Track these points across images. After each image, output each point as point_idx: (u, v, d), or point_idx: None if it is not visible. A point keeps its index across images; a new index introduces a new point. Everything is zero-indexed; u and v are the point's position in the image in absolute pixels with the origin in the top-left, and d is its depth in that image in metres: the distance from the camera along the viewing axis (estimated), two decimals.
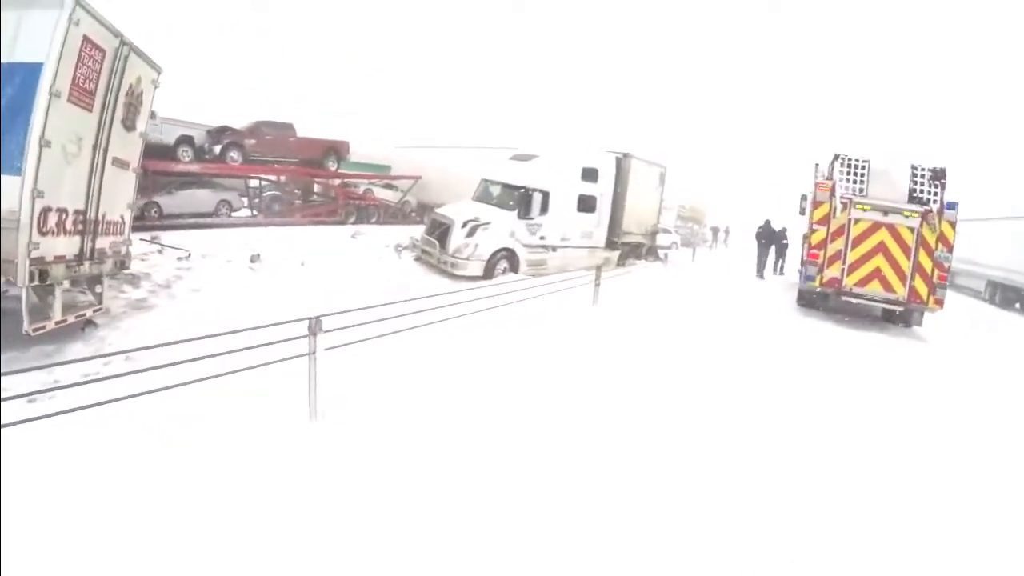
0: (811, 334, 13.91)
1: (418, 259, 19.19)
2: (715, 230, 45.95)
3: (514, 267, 18.14)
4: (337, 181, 28.55)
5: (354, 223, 26.69)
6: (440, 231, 18.12)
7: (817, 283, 15.52)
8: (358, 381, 7.69)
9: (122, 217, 10.68)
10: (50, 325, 8.62)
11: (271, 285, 13.76)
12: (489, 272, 17.39)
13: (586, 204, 19.91)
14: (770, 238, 26.22)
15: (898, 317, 16.39)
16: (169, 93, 12.50)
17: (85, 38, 8.43)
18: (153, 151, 19.81)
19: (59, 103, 8.05)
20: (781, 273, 26.74)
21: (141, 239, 15.80)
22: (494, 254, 17.54)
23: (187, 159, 22.57)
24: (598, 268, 13.84)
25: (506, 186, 19.03)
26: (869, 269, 15.14)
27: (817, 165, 19.88)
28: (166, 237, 17.31)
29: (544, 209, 18.54)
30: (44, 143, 7.86)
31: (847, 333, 14.70)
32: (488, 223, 17.65)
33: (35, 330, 8.23)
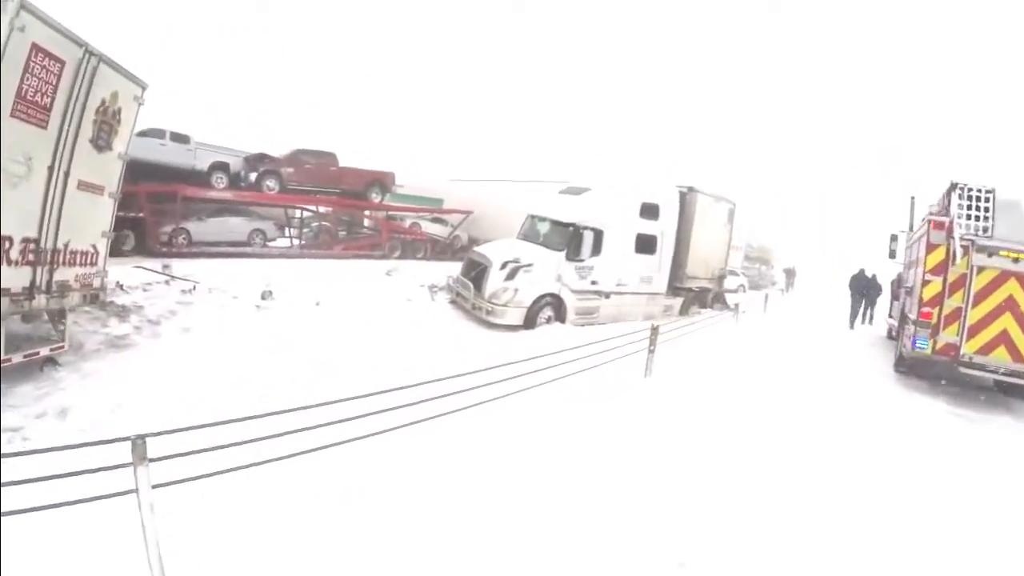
0: (921, 427, 10.17)
1: (453, 302, 16.90)
2: (789, 272, 41.86)
3: (560, 315, 15.67)
4: (381, 213, 26.99)
5: (399, 258, 24.95)
6: (476, 272, 15.80)
7: (930, 350, 11.89)
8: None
9: (94, 247, 9.58)
10: None
11: (270, 328, 12.30)
12: (530, 321, 15.02)
13: (645, 244, 17.29)
14: (864, 287, 23.50)
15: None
16: (168, 99, 11.93)
17: (35, 46, 7.44)
18: (186, 176, 21.01)
19: None
20: (869, 323, 23.64)
21: (147, 268, 15.25)
22: (537, 300, 15.11)
23: (221, 185, 22.01)
24: (653, 331, 10.95)
25: (554, 223, 16.64)
26: (994, 332, 11.50)
27: (914, 199, 17.00)
28: (190, 265, 16.46)
29: (597, 250, 16.08)
30: None
31: (967, 425, 10.72)
32: (531, 265, 15.25)
33: None
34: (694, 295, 19.85)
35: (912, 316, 12.68)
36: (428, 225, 28.56)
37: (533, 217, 17.67)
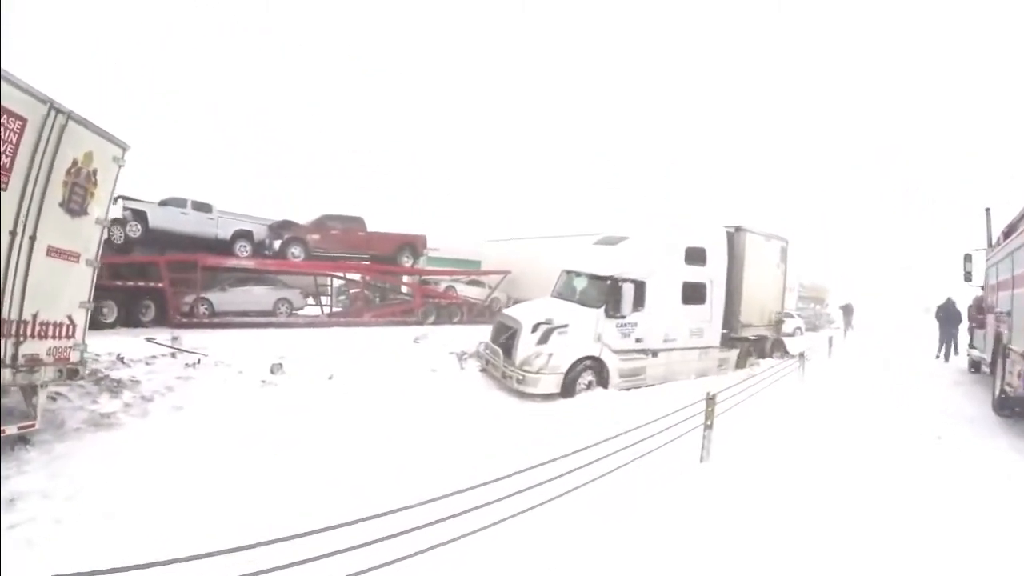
0: None
1: (484, 370, 15.12)
2: (847, 309, 37.19)
3: (603, 380, 13.69)
4: (414, 278, 26.23)
5: (434, 323, 24.00)
6: (506, 337, 14.08)
7: None
8: None
9: (70, 318, 8.74)
10: None
11: (270, 407, 11.10)
12: (569, 388, 13.13)
13: (693, 293, 15.37)
14: (951, 318, 21.62)
15: None
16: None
17: None
18: (210, 246, 20.95)
19: None
20: (955, 354, 21.30)
21: (156, 341, 14.53)
22: (575, 365, 13.22)
23: (244, 254, 21.83)
24: (709, 401, 8.58)
25: (590, 277, 14.88)
26: None
27: (989, 210, 15.09)
28: (208, 337, 16.32)
29: (639, 303, 14.20)
30: None
31: None
32: (566, 325, 13.46)
33: None
34: (750, 345, 17.76)
35: (1021, 348, 10.10)
36: (464, 288, 27.40)
37: (568, 273, 15.91)
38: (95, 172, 8.80)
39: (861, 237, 74.97)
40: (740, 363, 17.01)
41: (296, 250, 22.44)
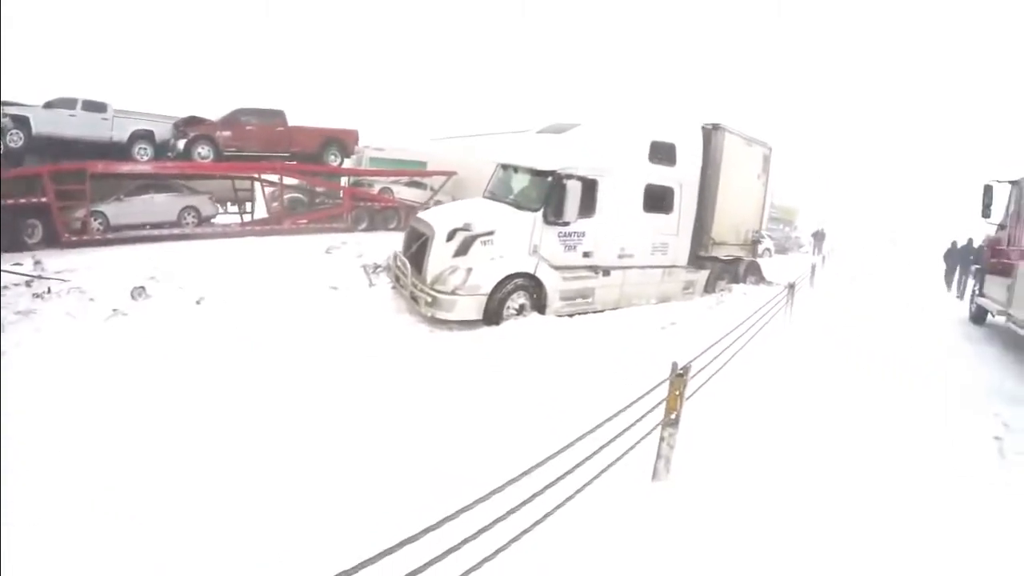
0: None
1: (395, 287, 11.88)
2: (818, 235, 34.97)
3: (539, 304, 10.55)
4: (341, 179, 22.91)
5: (366, 230, 21.19)
6: (417, 246, 10.81)
7: None
8: None
9: None
10: None
11: (109, 347, 8.85)
12: (493, 314, 10.12)
13: (658, 200, 12.03)
14: (968, 257, 19.14)
15: None
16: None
17: None
18: (103, 150, 17.90)
19: None
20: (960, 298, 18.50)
21: (15, 263, 12.67)
22: (501, 284, 10.05)
23: (145, 158, 18.43)
24: (676, 382, 4.51)
25: (527, 172, 11.57)
26: None
27: None
28: (100, 255, 14.38)
29: (589, 208, 10.93)
30: None
31: None
32: (491, 232, 10.30)
33: None
34: (722, 267, 14.30)
35: None
36: (403, 190, 23.84)
37: (504, 168, 12.50)
38: None
39: (838, 156, 68.01)
40: (709, 287, 13.74)
41: (204, 150, 18.97)
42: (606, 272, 11.44)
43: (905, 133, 71.25)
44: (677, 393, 4.49)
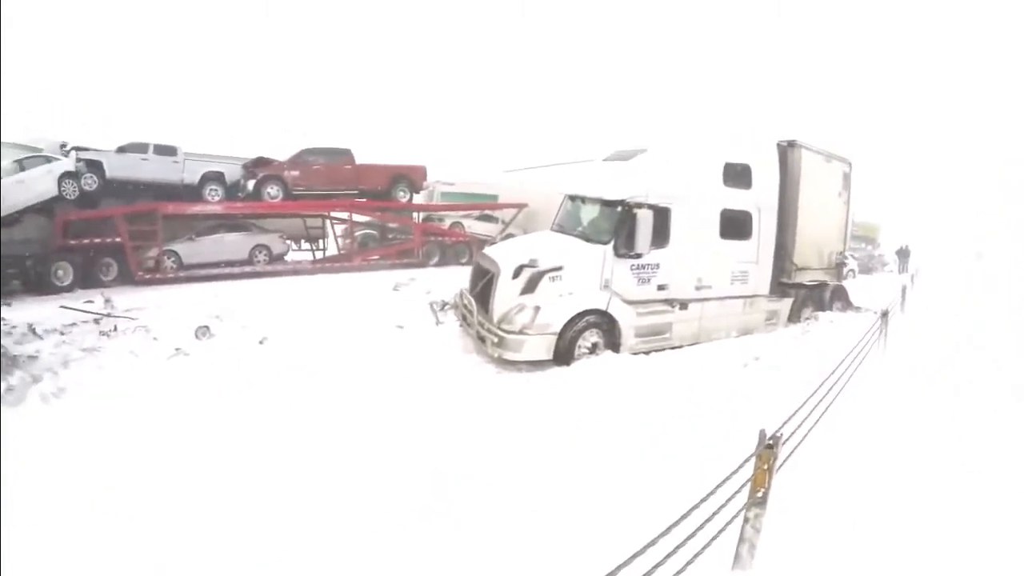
0: None
1: (463, 325, 11.35)
2: (902, 253, 33.12)
3: (612, 341, 9.90)
4: (412, 215, 22.98)
5: (438, 264, 20.96)
6: (483, 284, 10.28)
7: None
8: None
9: None
10: None
11: (169, 387, 8.73)
12: (564, 353, 9.48)
13: (735, 225, 11.24)
14: None
15: None
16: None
17: None
18: (174, 192, 18.50)
19: None
20: None
21: (71, 307, 12.57)
22: (573, 321, 9.41)
23: (216, 199, 19.09)
24: (766, 455, 3.68)
25: (595, 203, 10.93)
26: None
27: None
28: (173, 293, 14.78)
29: (662, 238, 10.24)
30: None
31: None
32: (559, 268, 9.66)
33: None
34: (806, 293, 13.33)
35: None
36: (474, 224, 23.55)
37: (572, 199, 11.86)
38: None
39: (917, 164, 62.98)
40: (793, 316, 12.80)
41: (273, 190, 19.27)
42: (683, 305, 10.71)
43: (985, 136, 67.07)
44: (765, 467, 3.72)
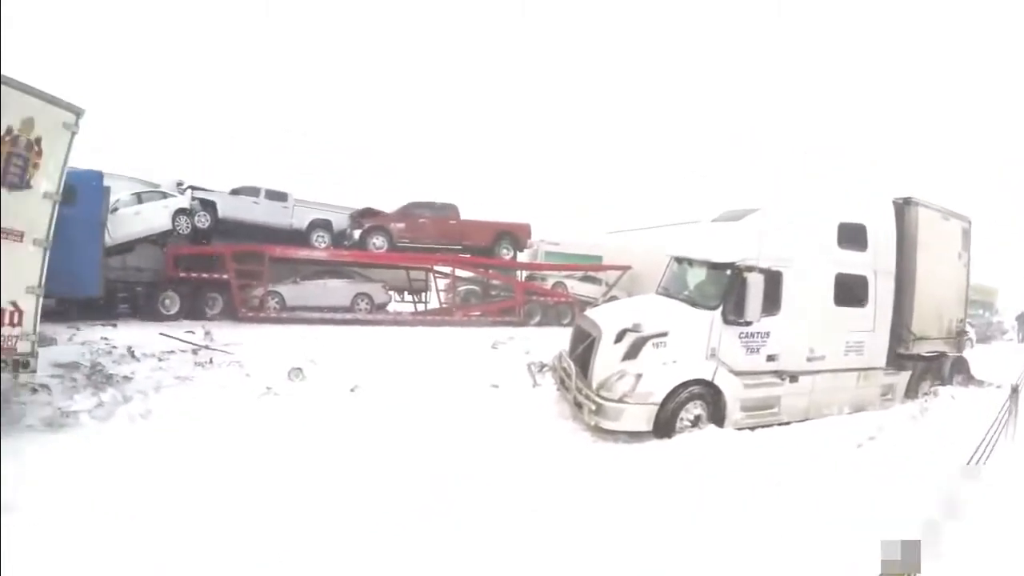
0: None
1: (560, 388, 10.77)
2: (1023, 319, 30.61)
3: (716, 414, 9.19)
4: (515, 273, 22.70)
5: (539, 324, 20.73)
6: (584, 348, 9.76)
7: None
8: None
9: (15, 304, 7.83)
10: None
11: (255, 423, 8.94)
12: (665, 426, 8.76)
13: (851, 291, 10.36)
14: None
15: None
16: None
17: None
18: (283, 235, 19.31)
19: None
20: None
21: (170, 335, 13.51)
22: (675, 391, 8.79)
23: (322, 245, 20.00)
24: None
25: (703, 265, 10.37)
26: None
27: None
28: (252, 332, 15.41)
29: (773, 304, 9.51)
30: None
31: None
32: (664, 334, 9.10)
33: None
34: (924, 365, 12.16)
35: None
36: (577, 285, 23.18)
37: (678, 261, 11.33)
38: (39, 140, 7.82)
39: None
40: (910, 391, 11.67)
41: (379, 240, 20.02)
42: (793, 378, 9.87)
43: None
44: None
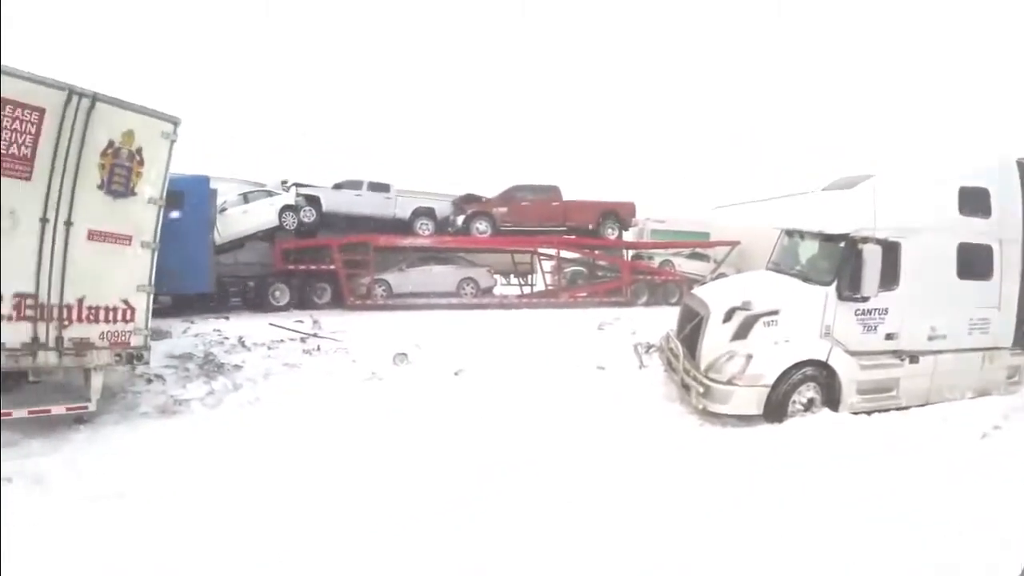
0: None
1: (667, 370, 10.46)
2: None
3: (830, 397, 8.75)
4: (618, 252, 22.21)
5: (647, 304, 20.56)
6: (691, 327, 9.42)
7: None
8: None
9: (126, 302, 8.38)
10: None
11: (358, 407, 9.19)
12: (777, 409, 8.42)
13: (975, 262, 9.38)
14: None
15: None
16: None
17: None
18: (387, 225, 19.75)
19: None
20: None
21: (278, 325, 13.83)
22: (788, 373, 8.38)
23: (426, 233, 20.20)
24: None
25: (816, 238, 9.79)
26: None
27: None
28: (358, 320, 15.63)
29: (891, 278, 8.80)
30: None
31: None
32: (775, 312, 8.70)
33: None
34: None
35: None
36: (684, 263, 22.62)
37: (788, 234, 10.72)
38: (140, 151, 8.32)
39: None
40: None
41: (482, 225, 20.07)
42: (913, 358, 9.13)
43: None
44: None
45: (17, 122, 7.21)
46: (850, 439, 7.40)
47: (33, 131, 7.34)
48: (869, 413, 8.62)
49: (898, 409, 8.91)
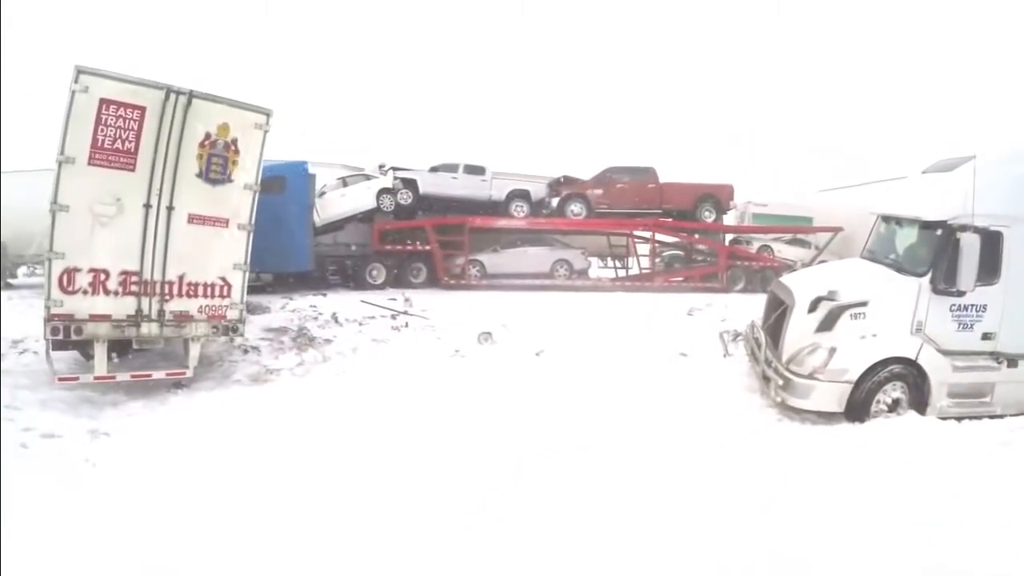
0: None
1: (751, 360, 10.00)
2: None
3: (918, 399, 8.07)
4: (716, 236, 21.41)
5: (743, 291, 19.62)
6: (776, 317, 8.97)
7: None
8: None
9: (224, 279, 9.32)
10: (87, 378, 8.40)
11: (440, 383, 9.57)
12: (859, 408, 7.89)
13: None
14: None
15: None
16: None
17: (104, 100, 8.04)
18: (482, 207, 19.94)
19: (73, 168, 7.95)
20: None
21: (370, 303, 14.22)
22: (873, 370, 7.83)
23: (521, 214, 20.14)
24: None
25: (911, 224, 9.03)
26: None
27: None
28: (449, 298, 16.13)
29: (991, 271, 8.04)
30: (59, 207, 7.92)
31: None
32: (863, 303, 8.19)
33: (61, 380, 8.23)
34: None
35: None
36: (784, 249, 21.53)
37: (885, 220, 9.87)
38: (235, 141, 9.08)
39: None
40: None
41: (576, 207, 19.89)
42: (1012, 362, 8.34)
43: None
44: None
45: (120, 120, 8.11)
46: (936, 446, 6.82)
47: (135, 127, 8.22)
48: (959, 419, 7.85)
49: (991, 417, 8.07)
